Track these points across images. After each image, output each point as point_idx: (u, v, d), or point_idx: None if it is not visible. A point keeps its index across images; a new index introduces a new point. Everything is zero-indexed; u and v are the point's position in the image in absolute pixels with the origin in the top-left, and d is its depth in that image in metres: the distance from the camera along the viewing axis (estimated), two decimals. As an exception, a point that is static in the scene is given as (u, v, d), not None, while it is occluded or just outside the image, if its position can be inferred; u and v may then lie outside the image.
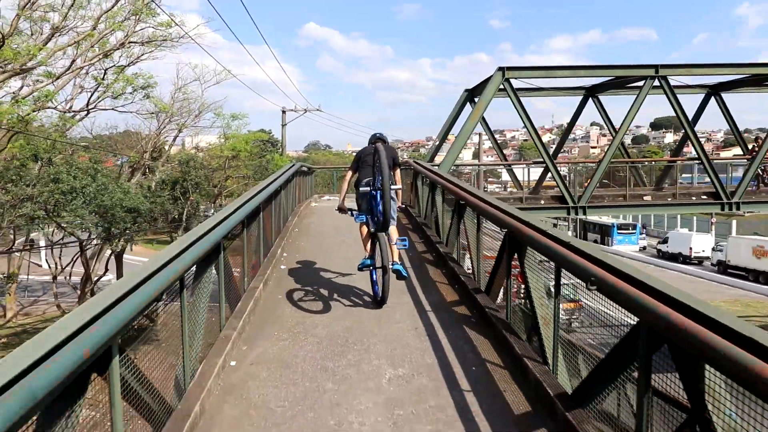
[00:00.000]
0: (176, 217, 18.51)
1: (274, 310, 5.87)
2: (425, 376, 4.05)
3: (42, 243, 23.90)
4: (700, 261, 41.46)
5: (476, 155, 58.43)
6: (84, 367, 2.17)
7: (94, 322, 2.32)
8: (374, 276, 5.97)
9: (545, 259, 4.01)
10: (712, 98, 19.67)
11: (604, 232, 55.01)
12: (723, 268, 37.05)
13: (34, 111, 17.41)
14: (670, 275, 37.73)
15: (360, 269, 6.07)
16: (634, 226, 54.92)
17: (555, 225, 48.38)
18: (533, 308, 4.13)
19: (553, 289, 3.76)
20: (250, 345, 4.83)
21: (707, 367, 2.17)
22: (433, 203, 9.75)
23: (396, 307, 5.87)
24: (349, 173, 6.49)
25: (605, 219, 56.35)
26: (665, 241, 46.19)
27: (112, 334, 2.36)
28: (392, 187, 5.69)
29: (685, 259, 42.07)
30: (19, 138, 17.75)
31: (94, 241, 18.07)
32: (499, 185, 39.10)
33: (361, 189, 6.00)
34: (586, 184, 16.41)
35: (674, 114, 16.14)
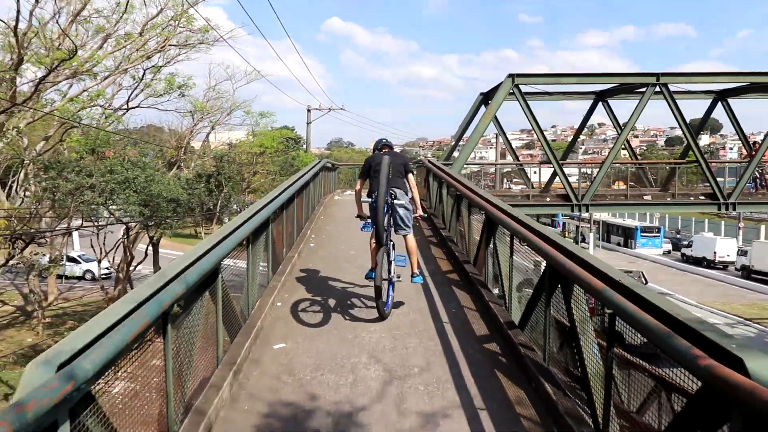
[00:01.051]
0: (211, 207, 20.27)
1: (305, 273, 7.47)
2: (418, 314, 5.62)
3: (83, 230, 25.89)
4: (725, 266, 41.34)
5: (503, 155, 59.38)
6: (203, 286, 3.75)
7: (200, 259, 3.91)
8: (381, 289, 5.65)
9: (508, 232, 5.48)
10: (719, 103, 20.69)
11: (628, 235, 55.15)
12: (747, 272, 36.98)
13: (83, 108, 19.36)
14: (688, 279, 38.24)
15: (366, 278, 6.02)
16: (659, 229, 55.03)
17: (580, 238, 48.91)
18: (499, 266, 5.62)
19: (508, 251, 5.25)
20: (290, 293, 6.48)
21: (575, 287, 3.64)
22: (440, 197, 11.25)
23: (401, 272, 6.35)
24: (359, 183, 6.48)
25: (629, 222, 56.86)
26: (689, 245, 46.34)
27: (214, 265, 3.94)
28: (396, 201, 5.84)
29: (710, 264, 42.04)
30: (71, 133, 19.72)
31: (136, 228, 19.93)
32: (525, 185, 40.26)
33: (363, 200, 6.09)
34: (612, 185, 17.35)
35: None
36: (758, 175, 18.17)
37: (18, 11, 13.95)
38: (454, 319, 5.76)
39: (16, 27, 14.04)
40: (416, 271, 6.04)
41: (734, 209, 17.91)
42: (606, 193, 19.00)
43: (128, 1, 16.85)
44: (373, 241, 5.85)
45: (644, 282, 21.80)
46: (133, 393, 2.92)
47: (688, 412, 2.40)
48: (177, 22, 20.52)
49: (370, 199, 5.84)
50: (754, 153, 17.46)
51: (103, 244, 20.08)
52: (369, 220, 6.00)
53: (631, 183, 21.21)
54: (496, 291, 6.22)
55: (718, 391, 2.10)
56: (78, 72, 16.73)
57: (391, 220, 5.90)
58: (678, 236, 53.61)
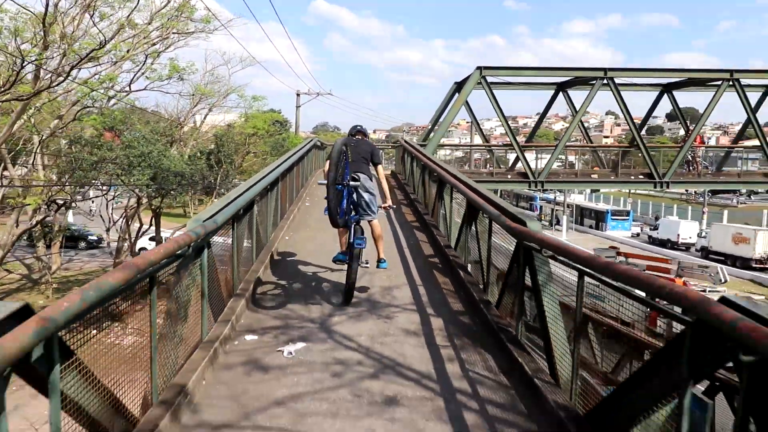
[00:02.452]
0: (212, 181, 22.52)
1: (303, 221, 9.99)
2: (402, 278, 7.47)
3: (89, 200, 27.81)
4: (687, 247, 43.87)
5: (487, 140, 61.92)
6: (246, 210, 6.18)
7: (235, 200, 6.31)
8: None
9: (449, 187, 7.95)
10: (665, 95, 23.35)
11: (599, 218, 57.78)
12: (705, 253, 39.68)
13: (93, 90, 21.36)
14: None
15: (334, 261, 6.19)
16: (628, 213, 57.88)
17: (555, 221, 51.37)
18: (445, 212, 8.12)
19: (449, 200, 7.76)
20: (294, 231, 9.05)
21: (480, 214, 6.11)
22: (412, 170, 13.72)
23: (387, 251, 6.82)
24: (327, 164, 6.11)
25: (601, 205, 59.87)
26: (656, 228, 49.21)
27: (250, 200, 6.34)
28: (355, 184, 5.78)
29: (673, 245, 44.42)
30: (83, 113, 21.72)
31: (143, 199, 22.15)
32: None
33: (321, 182, 6.03)
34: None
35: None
36: (690, 159, 20.90)
37: (47, 3, 16.02)
38: (412, 246, 8.28)
39: (44, 18, 16.08)
40: (382, 256, 6.18)
41: (668, 187, 20.62)
42: (559, 171, 21.65)
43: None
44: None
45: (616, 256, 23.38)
46: (219, 260, 5.32)
47: (514, 255, 4.89)
48: (180, 13, 22.48)
49: (323, 182, 5.66)
50: (686, 139, 20.18)
51: (112, 214, 22.24)
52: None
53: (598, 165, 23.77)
54: (443, 230, 8.72)
55: (517, 236, 4.61)
56: (95, 58, 18.72)
57: (352, 206, 5.85)
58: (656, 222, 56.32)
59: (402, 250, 8.25)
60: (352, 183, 5.76)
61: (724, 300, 2.27)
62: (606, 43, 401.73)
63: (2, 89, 15.47)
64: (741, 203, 70.46)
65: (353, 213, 5.91)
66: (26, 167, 22.39)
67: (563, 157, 23.40)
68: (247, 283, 6.07)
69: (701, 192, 60.80)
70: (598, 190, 73.81)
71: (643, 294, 2.91)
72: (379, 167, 6.21)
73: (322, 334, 5.07)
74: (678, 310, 2.57)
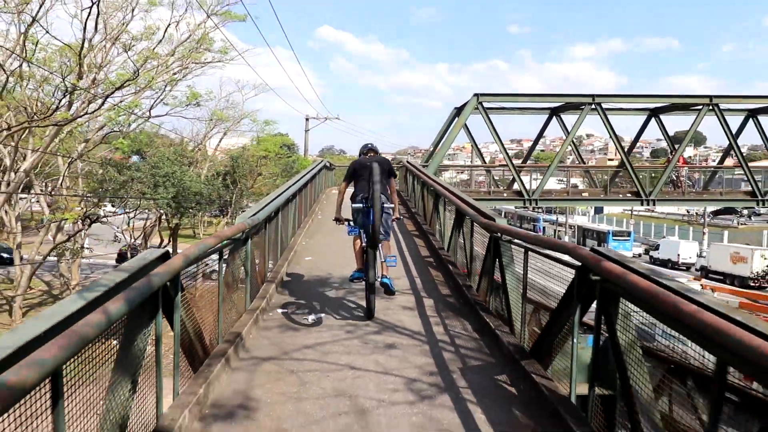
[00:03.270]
0: (227, 200, 24.08)
1: (317, 230, 11.44)
2: (402, 272, 9.04)
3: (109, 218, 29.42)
4: (687, 267, 44.41)
5: (484, 161, 63.59)
6: (264, 220, 7.63)
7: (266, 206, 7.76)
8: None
9: (443, 201, 9.37)
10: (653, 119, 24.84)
11: (600, 239, 58.73)
12: (705, 272, 40.02)
13: (118, 116, 23.11)
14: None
15: (351, 280, 6.25)
16: (629, 233, 58.83)
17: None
18: (440, 220, 9.54)
19: (442, 210, 9.19)
20: (310, 238, 10.52)
21: (467, 218, 7.52)
22: (413, 187, 15.18)
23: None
24: (344, 185, 6.55)
25: (603, 226, 60.99)
26: (657, 248, 49.97)
27: (277, 207, 7.78)
28: (385, 205, 5.96)
29: (674, 265, 44.87)
30: (109, 137, 23.41)
31: (162, 216, 23.68)
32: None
33: (354, 205, 6.04)
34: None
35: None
36: (675, 178, 22.28)
37: (84, 39, 17.81)
38: (411, 249, 9.70)
39: (81, 51, 17.84)
40: (386, 273, 6.24)
41: (654, 204, 21.96)
42: (552, 189, 23.07)
43: (166, 30, 20.69)
44: (358, 243, 6.12)
45: None
46: (257, 254, 6.73)
47: (488, 245, 6.29)
48: (200, 44, 24.33)
49: (361, 204, 5.94)
50: (669, 159, 21.60)
51: (132, 231, 23.75)
52: (351, 223, 6.20)
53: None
54: (438, 236, 10.13)
55: (488, 228, 6.03)
56: (117, 87, 20.46)
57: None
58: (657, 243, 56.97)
59: (402, 252, 9.66)
60: (385, 206, 5.97)
61: (594, 250, 3.67)
62: (608, 67, 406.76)
63: (44, 116, 17.16)
64: (741, 224, 71.10)
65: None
66: (44, 189, 24.04)
67: (564, 178, 24.81)
68: (275, 273, 7.50)
69: (702, 213, 61.87)
70: (602, 211, 75.19)
71: (564, 256, 4.29)
72: (393, 180, 6.41)
73: (337, 309, 6.46)
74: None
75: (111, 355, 2.83)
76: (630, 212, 71.62)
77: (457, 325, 5.90)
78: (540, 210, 69.02)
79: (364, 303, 6.24)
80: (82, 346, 2.12)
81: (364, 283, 6.03)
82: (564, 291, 4.05)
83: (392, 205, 6.24)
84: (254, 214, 6.12)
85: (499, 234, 5.66)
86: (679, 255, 46.81)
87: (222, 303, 4.84)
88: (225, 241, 4.82)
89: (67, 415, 2.20)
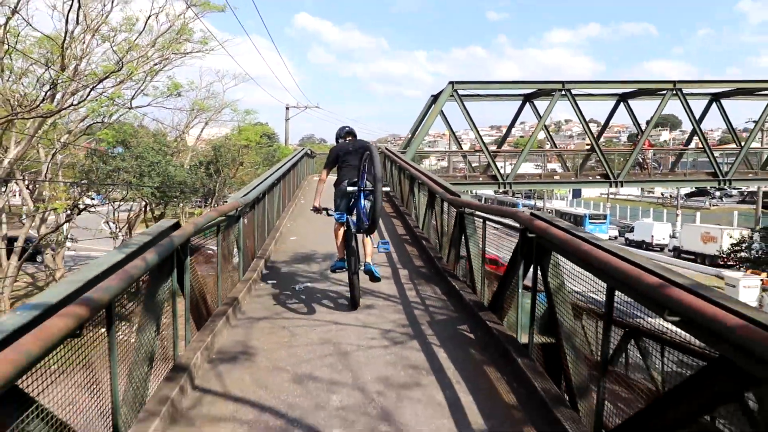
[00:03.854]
0: (210, 188, 24.56)
1: (300, 214, 12.12)
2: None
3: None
4: (661, 248, 45.58)
5: (461, 147, 64.44)
6: (258, 199, 8.32)
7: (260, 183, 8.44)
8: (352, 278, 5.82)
9: (418, 182, 10.12)
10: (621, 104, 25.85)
11: (577, 222, 59.93)
12: (677, 252, 41.72)
13: (102, 107, 23.37)
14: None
15: (333, 271, 6.06)
16: (605, 216, 60.15)
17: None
18: (414, 202, 10.29)
19: (417, 191, 9.95)
20: (294, 220, 11.22)
21: (437, 197, 8.29)
22: (391, 172, 15.91)
23: None
24: (325, 172, 6.27)
25: (580, 210, 62.38)
26: (632, 230, 51.40)
27: (264, 190, 8.46)
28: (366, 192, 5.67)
29: (648, 246, 45.97)
30: (92, 127, 23.65)
31: (146, 206, 24.07)
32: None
33: (343, 188, 5.75)
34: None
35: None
36: (641, 161, 23.38)
37: (66, 31, 18.09)
38: (389, 230, 10.47)
39: (63, 43, 18.12)
40: (369, 260, 5.89)
41: (621, 185, 23.03)
42: (525, 173, 24.01)
43: (146, 21, 20.99)
44: (341, 231, 5.89)
45: None
46: (248, 232, 7.41)
47: (455, 220, 7.07)
48: (180, 35, 24.60)
49: (353, 188, 5.67)
50: (636, 143, 22.65)
51: (117, 221, 24.14)
52: (335, 210, 5.94)
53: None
54: (413, 216, 10.91)
55: (455, 204, 6.80)
56: (102, 79, 20.74)
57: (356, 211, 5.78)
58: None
59: (381, 232, 10.41)
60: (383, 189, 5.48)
61: (533, 215, 4.45)
62: (586, 52, 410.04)
63: (30, 108, 17.46)
64: (713, 205, 73.11)
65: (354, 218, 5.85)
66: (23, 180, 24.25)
67: (541, 163, 25.72)
68: (264, 250, 8.20)
69: (675, 195, 63.61)
70: (580, 195, 76.83)
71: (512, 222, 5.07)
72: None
73: (320, 280, 7.21)
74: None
75: (139, 304, 3.53)
76: (606, 196, 73.24)
77: (428, 290, 6.69)
78: (519, 195, 70.28)
79: (346, 275, 6.05)
80: (130, 282, 2.83)
81: (346, 273, 5.84)
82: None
83: (388, 189, 6.27)
84: (246, 194, 6.81)
85: (463, 208, 6.44)
86: (652, 236, 48.04)
87: (221, 272, 5.54)
88: (222, 217, 5.51)
89: (118, 339, 2.90)
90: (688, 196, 74.45)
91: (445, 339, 4.96)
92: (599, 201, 74.07)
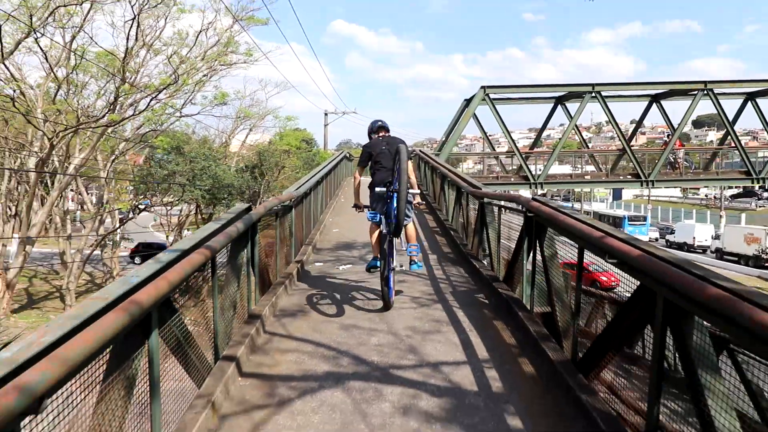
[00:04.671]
0: (255, 191, 26.13)
1: (341, 210, 13.31)
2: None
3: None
4: (703, 249, 45.11)
5: (494, 149, 64.73)
6: (302, 195, 9.53)
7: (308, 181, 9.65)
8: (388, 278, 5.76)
9: (449, 182, 11.16)
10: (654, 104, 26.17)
11: (616, 224, 59.36)
12: (720, 254, 40.69)
13: (157, 115, 25.25)
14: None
15: (368, 270, 6.09)
16: (644, 218, 59.26)
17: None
18: (445, 199, 11.33)
19: (447, 188, 10.99)
20: (335, 216, 12.39)
21: (467, 194, 9.32)
22: (425, 173, 16.97)
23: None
24: (359, 170, 6.28)
25: (619, 212, 61.72)
26: (672, 232, 50.95)
27: (311, 186, 9.66)
28: (410, 191, 5.62)
29: (689, 248, 45.71)
30: (148, 135, 25.58)
31: (201, 207, 25.79)
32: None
33: (377, 190, 5.71)
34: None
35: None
36: (672, 160, 23.67)
37: (127, 47, 19.89)
38: (422, 223, 11.55)
39: (124, 58, 19.94)
40: (415, 258, 5.94)
41: (653, 185, 23.38)
42: (557, 173, 24.64)
43: (197, 37, 22.72)
44: (376, 230, 5.87)
45: None
46: (282, 236, 8.60)
47: (478, 210, 8.09)
48: (226, 48, 26.32)
49: (383, 189, 5.61)
50: (667, 143, 23.00)
51: (169, 221, 25.94)
52: (371, 210, 5.90)
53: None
54: (444, 211, 11.96)
55: (476, 196, 7.83)
56: (160, 90, 22.54)
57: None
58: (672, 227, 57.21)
59: (415, 225, 11.53)
60: (410, 191, 5.68)
61: (534, 199, 5.45)
62: (627, 52, 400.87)
63: (97, 117, 19.31)
64: (760, 206, 70.93)
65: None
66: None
67: (579, 165, 26.31)
68: (311, 238, 9.41)
69: (719, 196, 62.17)
70: (620, 197, 75.92)
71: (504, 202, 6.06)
72: (410, 162, 5.90)
73: (360, 263, 8.32)
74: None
75: (229, 262, 4.70)
76: (648, 198, 72.14)
77: (453, 270, 7.74)
78: (558, 198, 69.85)
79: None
80: (229, 239, 4.01)
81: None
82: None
83: (417, 191, 5.98)
84: (297, 188, 8.01)
85: (483, 199, 7.46)
86: (694, 238, 46.95)
87: (279, 250, 6.73)
88: (279, 205, 6.70)
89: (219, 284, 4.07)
90: (734, 197, 72.46)
91: (463, 303, 6.00)
92: (640, 203, 72.91)
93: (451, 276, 7.38)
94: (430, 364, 4.26)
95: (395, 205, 5.40)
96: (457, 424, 3.36)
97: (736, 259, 39.21)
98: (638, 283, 3.15)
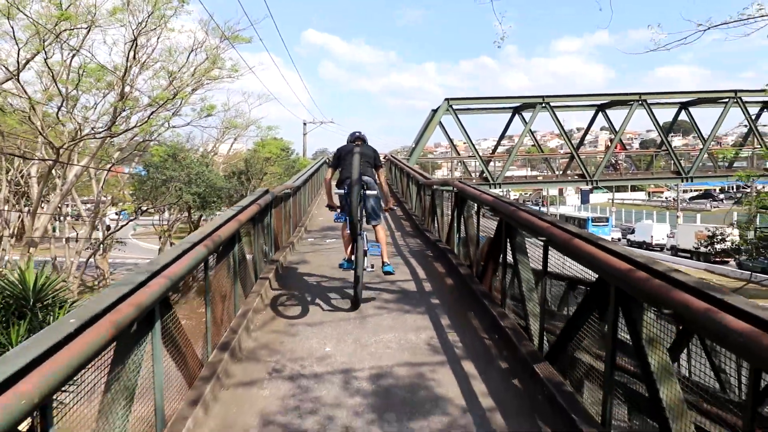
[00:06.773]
0: (243, 194, 28.52)
1: (322, 205, 15.74)
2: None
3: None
4: (660, 247, 47.52)
5: (459, 154, 67.44)
6: (295, 189, 12.10)
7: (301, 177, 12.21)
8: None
9: (414, 181, 13.81)
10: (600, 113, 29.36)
11: (581, 225, 62.51)
12: (674, 251, 43.27)
13: (152, 127, 27.45)
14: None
15: (341, 267, 6.24)
16: (607, 219, 62.66)
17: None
18: (410, 197, 13.98)
19: (415, 189, 13.65)
20: (319, 210, 14.93)
21: (436, 189, 11.98)
22: (396, 176, 19.64)
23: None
24: (330, 171, 6.47)
25: (584, 214, 65.30)
26: (632, 231, 53.99)
27: (301, 183, 12.22)
28: (368, 191, 5.86)
29: (648, 246, 47.88)
30: (143, 145, 27.72)
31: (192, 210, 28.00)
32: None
33: (337, 191, 5.94)
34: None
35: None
36: (614, 162, 26.85)
37: (126, 65, 22.19)
38: (395, 218, 14.21)
39: (123, 75, 22.21)
40: (386, 260, 6.13)
41: (596, 185, 26.49)
42: (513, 174, 27.66)
43: (189, 56, 25.08)
44: (347, 231, 5.98)
45: None
46: (285, 215, 11.13)
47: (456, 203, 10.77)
48: (213, 64, 28.69)
49: (342, 190, 5.83)
50: (608, 146, 26.15)
51: (162, 224, 28.07)
52: (340, 211, 6.10)
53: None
54: (412, 205, 14.66)
55: (428, 186, 10.51)
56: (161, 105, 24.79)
57: (363, 211, 5.84)
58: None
59: (388, 222, 14.17)
60: (367, 192, 5.89)
61: (460, 181, 8.12)
62: (596, 59, 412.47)
63: (99, 131, 21.54)
64: (714, 207, 75.05)
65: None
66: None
67: (540, 169, 29.25)
68: (302, 223, 11.97)
69: (677, 198, 66.23)
70: (588, 201, 79.80)
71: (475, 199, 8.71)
72: (381, 170, 6.21)
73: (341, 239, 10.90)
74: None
75: (256, 225, 7.23)
76: (612, 201, 76.00)
77: (411, 240, 10.39)
78: (530, 202, 73.21)
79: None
80: (261, 208, 6.57)
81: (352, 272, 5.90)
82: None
83: (375, 192, 6.03)
84: (295, 181, 10.58)
85: (433, 186, 10.13)
86: (652, 237, 49.53)
87: (284, 225, 9.28)
88: (286, 190, 9.25)
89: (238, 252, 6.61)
90: (692, 199, 76.82)
91: (415, 255, 8.67)
92: (606, 206, 76.67)
93: (410, 243, 10.03)
94: (390, 281, 6.88)
95: (350, 200, 5.67)
96: (404, 303, 6.01)
97: (688, 255, 42.04)
98: (502, 222, 5.81)
